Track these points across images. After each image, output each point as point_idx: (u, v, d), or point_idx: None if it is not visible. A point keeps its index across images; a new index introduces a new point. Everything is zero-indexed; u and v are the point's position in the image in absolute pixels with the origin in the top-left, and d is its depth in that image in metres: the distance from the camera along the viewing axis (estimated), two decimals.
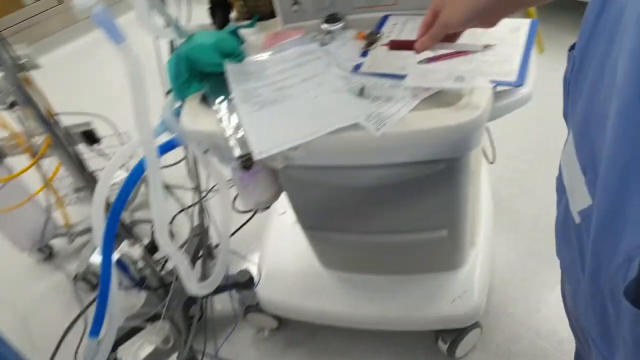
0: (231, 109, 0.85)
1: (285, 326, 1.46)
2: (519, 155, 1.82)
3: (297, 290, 1.32)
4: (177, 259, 0.96)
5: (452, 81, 0.76)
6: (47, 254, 1.84)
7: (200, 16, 1.08)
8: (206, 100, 0.90)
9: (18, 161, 1.49)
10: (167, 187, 2.00)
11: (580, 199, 0.45)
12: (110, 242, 1.00)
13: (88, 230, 1.81)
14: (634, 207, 0.35)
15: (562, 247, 0.60)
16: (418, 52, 0.72)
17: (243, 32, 1.03)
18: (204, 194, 1.41)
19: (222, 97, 0.88)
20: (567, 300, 0.71)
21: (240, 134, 0.81)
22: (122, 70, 0.68)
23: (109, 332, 1.03)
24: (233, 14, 1.12)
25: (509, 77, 0.77)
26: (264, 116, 0.82)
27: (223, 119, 0.85)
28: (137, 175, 0.94)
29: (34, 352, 1.39)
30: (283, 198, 1.15)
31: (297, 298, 1.31)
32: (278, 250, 1.41)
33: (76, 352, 1.47)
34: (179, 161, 1.88)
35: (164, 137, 0.95)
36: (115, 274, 1.04)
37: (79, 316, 1.58)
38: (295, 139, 0.77)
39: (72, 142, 1.33)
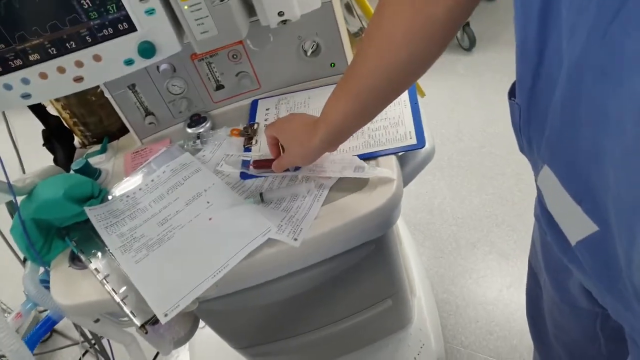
0: (112, 264, 0.70)
1: None
2: (416, 179, 1.83)
3: None
4: None
5: (352, 171, 0.68)
6: None
7: (37, 149, 0.90)
8: (78, 259, 0.73)
9: None
10: (56, 332, 1.71)
11: (580, 227, 0.46)
12: None
13: None
14: None
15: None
16: (277, 171, 0.73)
17: (95, 161, 0.87)
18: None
19: (95, 251, 0.72)
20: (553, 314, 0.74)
21: (133, 293, 0.66)
22: None
23: None
24: (77, 141, 0.95)
25: (408, 141, 0.71)
26: (154, 263, 0.68)
27: (107, 279, 0.69)
28: None
29: None
30: None
31: None
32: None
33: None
34: None
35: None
36: None
37: None
38: (201, 283, 0.64)
39: None
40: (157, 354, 1.48)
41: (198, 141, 0.83)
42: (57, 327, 1.70)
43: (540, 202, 0.59)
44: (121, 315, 0.76)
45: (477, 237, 1.59)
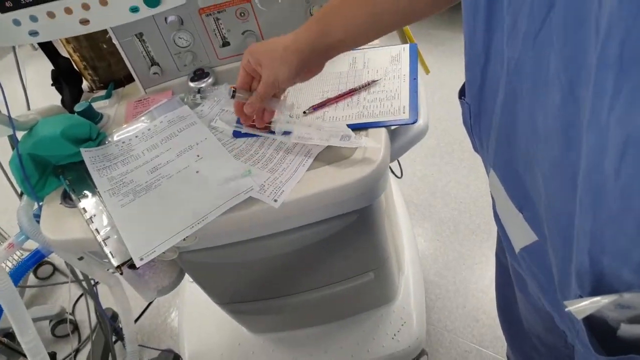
0: (100, 205, 0.72)
1: None
2: (424, 160, 1.82)
3: None
4: None
5: (338, 140, 0.68)
6: None
7: (47, 94, 0.92)
8: (69, 198, 0.76)
9: None
10: (58, 271, 1.78)
11: (522, 235, 0.46)
12: None
13: None
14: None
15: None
16: (249, 114, 0.69)
17: (99, 105, 0.89)
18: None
19: (86, 191, 0.74)
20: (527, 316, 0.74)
21: (114, 236, 0.68)
22: None
23: None
24: (85, 84, 0.97)
25: (401, 115, 0.71)
26: (138, 208, 0.70)
27: (93, 219, 0.71)
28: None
29: None
30: None
31: None
32: (198, 324, 1.27)
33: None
34: None
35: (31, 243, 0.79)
36: None
37: None
38: (179, 231, 0.66)
39: None
40: (150, 304, 1.53)
41: (198, 95, 0.84)
42: (60, 266, 1.77)
43: (493, 206, 0.58)
44: (104, 257, 0.78)
45: (477, 224, 1.59)
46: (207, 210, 0.67)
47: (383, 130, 0.70)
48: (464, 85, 0.51)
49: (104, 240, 0.68)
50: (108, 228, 0.69)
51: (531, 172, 0.38)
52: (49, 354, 1.28)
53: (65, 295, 1.69)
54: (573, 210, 0.34)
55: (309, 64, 0.64)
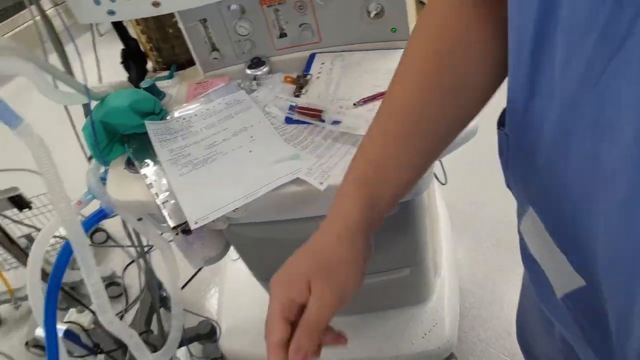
0: (160, 173, 0.79)
1: None
2: (469, 169, 1.82)
3: (261, 337, 1.24)
4: (124, 335, 0.89)
5: None
6: None
7: (115, 72, 1.00)
8: (132, 165, 0.83)
9: None
10: (112, 239, 1.90)
11: (566, 280, 0.41)
12: (51, 317, 0.91)
13: None
14: None
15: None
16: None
17: (162, 85, 0.96)
18: (146, 249, 1.32)
19: (148, 160, 0.81)
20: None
21: (172, 200, 0.74)
22: (50, 120, 0.60)
23: None
24: (149, 65, 1.04)
25: None
26: (195, 179, 0.76)
27: (152, 184, 0.78)
28: (66, 255, 0.86)
29: None
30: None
31: (261, 345, 1.24)
32: (237, 298, 1.34)
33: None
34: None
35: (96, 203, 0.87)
36: (63, 347, 0.95)
37: None
38: (231, 202, 0.71)
39: None
40: (190, 280, 1.61)
41: (254, 82, 0.90)
42: (112, 234, 1.89)
43: (523, 247, 0.53)
44: (161, 221, 0.85)
45: None
46: (257, 186, 0.72)
47: None
48: (503, 113, 0.46)
49: (162, 204, 0.74)
50: (166, 194, 0.75)
51: (586, 213, 0.35)
52: None
53: (116, 261, 1.81)
54: None
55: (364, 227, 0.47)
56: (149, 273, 1.30)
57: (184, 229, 0.74)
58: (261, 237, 0.89)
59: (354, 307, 1.21)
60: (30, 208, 1.40)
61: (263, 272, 1.05)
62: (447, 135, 0.51)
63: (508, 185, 0.50)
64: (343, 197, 0.47)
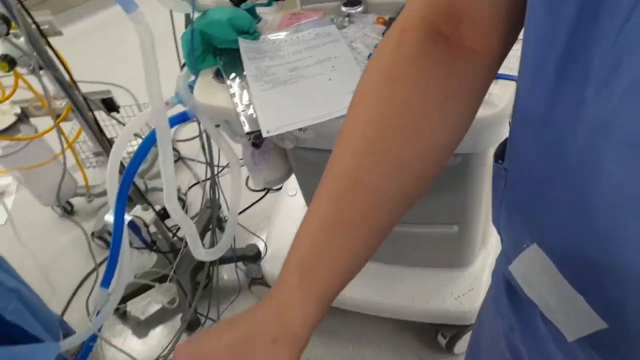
0: (243, 86, 0.85)
1: None
2: None
3: None
4: (184, 224, 0.98)
5: None
6: (68, 211, 1.91)
7: None
8: (220, 76, 0.90)
9: (45, 122, 1.54)
10: (182, 159, 2.03)
11: (583, 322, 0.37)
12: (122, 203, 1.03)
13: (105, 192, 1.85)
14: None
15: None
16: None
17: (260, 10, 1.02)
18: (217, 169, 1.42)
19: (235, 74, 0.88)
20: None
21: (250, 111, 0.81)
22: (153, 24, 0.69)
23: (118, 285, 1.07)
24: None
25: None
26: (275, 95, 0.82)
27: (235, 94, 0.85)
28: (149, 143, 0.96)
29: (52, 298, 1.45)
30: (294, 180, 1.15)
31: None
32: (286, 228, 1.42)
33: (87, 300, 1.59)
34: (194, 137, 1.92)
35: (178, 109, 0.96)
36: (126, 233, 1.07)
37: (93, 270, 1.68)
38: (304, 120, 0.77)
39: (91, 109, 1.35)
40: (253, 204, 1.71)
41: (346, 19, 0.94)
42: (183, 154, 2.02)
43: (510, 292, 0.49)
44: (236, 131, 0.92)
45: None
46: (328, 110, 0.78)
47: (512, 84, 0.75)
48: (501, 147, 0.44)
49: (241, 112, 0.81)
50: (246, 104, 0.82)
51: (613, 246, 0.31)
52: (160, 212, 1.50)
53: (182, 180, 1.94)
54: None
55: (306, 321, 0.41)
56: (214, 191, 1.41)
57: (255, 139, 0.82)
58: (322, 164, 0.95)
59: (396, 257, 1.26)
60: (118, 111, 1.53)
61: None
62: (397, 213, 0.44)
63: (494, 222, 0.47)
64: (288, 285, 0.40)
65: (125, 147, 0.98)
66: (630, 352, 0.35)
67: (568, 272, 0.36)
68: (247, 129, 0.79)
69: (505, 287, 0.50)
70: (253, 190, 1.77)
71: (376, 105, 0.41)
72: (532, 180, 0.37)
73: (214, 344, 0.39)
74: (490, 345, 0.58)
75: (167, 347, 1.47)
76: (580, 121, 0.30)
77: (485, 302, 0.61)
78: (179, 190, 1.84)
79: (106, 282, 1.20)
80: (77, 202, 1.95)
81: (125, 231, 1.12)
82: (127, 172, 1.01)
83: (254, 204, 1.70)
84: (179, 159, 2.02)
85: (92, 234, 1.79)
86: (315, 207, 0.41)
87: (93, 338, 1.29)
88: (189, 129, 2.05)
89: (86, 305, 1.59)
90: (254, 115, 0.80)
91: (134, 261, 1.68)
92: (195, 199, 1.88)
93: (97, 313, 1.25)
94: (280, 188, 1.56)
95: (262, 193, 1.71)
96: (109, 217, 1.37)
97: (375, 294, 1.25)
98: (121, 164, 1.05)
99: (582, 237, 0.33)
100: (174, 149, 2.03)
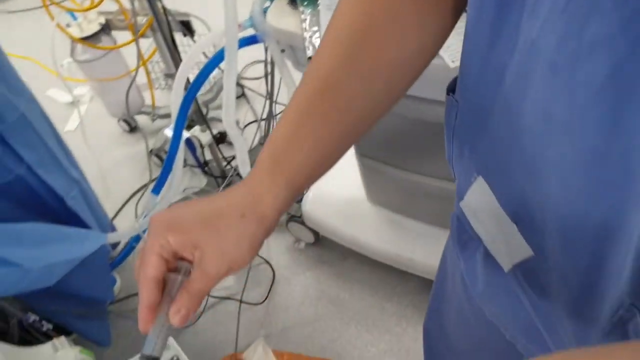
0: (315, 15, 0.88)
1: (321, 244, 1.54)
2: None
3: (340, 213, 1.37)
4: (237, 140, 1.04)
5: None
6: (132, 127, 2.02)
7: None
8: (294, 2, 0.93)
9: (124, 37, 1.63)
10: (245, 96, 2.09)
11: (515, 251, 0.39)
12: (183, 116, 1.09)
13: (168, 115, 1.95)
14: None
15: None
16: (181, 323, 0.41)
17: None
18: (275, 108, 1.47)
19: (308, 2, 0.91)
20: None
21: (317, 38, 0.84)
22: None
23: (167, 194, 1.15)
24: None
25: None
26: None
27: (306, 21, 0.87)
28: (216, 60, 1.01)
29: (106, 202, 1.56)
30: None
31: (338, 220, 1.37)
32: (331, 173, 1.44)
33: (137, 205, 1.72)
34: (259, 77, 1.97)
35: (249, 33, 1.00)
36: (182, 148, 1.14)
37: (147, 184, 1.80)
38: None
39: (170, 27, 1.42)
40: None
41: None
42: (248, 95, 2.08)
43: (460, 230, 0.52)
44: (299, 59, 0.95)
45: None
46: None
47: None
48: (454, 81, 0.44)
49: (308, 37, 0.84)
50: (314, 31, 0.85)
51: (538, 175, 0.33)
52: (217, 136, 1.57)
53: (241, 115, 2.01)
54: (617, 203, 0.29)
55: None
56: (269, 127, 1.46)
57: None
58: None
59: (435, 218, 1.27)
60: (193, 35, 1.59)
61: (367, 145, 1.14)
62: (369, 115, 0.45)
63: (449, 158, 0.49)
64: (261, 170, 0.42)
65: (194, 62, 1.03)
66: (548, 276, 0.38)
67: (505, 202, 0.38)
68: (309, 53, 0.81)
69: (456, 226, 0.53)
70: None
71: (355, 11, 0.42)
72: (477, 108, 0.39)
73: (187, 213, 0.41)
74: (451, 284, 0.62)
75: None
76: (516, 45, 0.31)
77: (446, 247, 0.64)
78: (237, 122, 1.90)
79: (157, 189, 1.29)
80: (141, 120, 2.06)
81: (182, 146, 1.19)
82: (192, 86, 1.07)
83: None
84: (242, 95, 2.08)
85: (151, 150, 1.89)
86: (291, 103, 0.43)
87: (136, 239, 1.40)
88: (255, 70, 2.10)
89: (135, 213, 1.71)
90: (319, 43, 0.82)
91: (185, 180, 1.77)
92: (251, 136, 1.95)
93: (144, 216, 1.35)
94: None
95: None
96: (169, 132, 1.45)
97: (407, 249, 1.27)
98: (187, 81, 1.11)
99: (514, 166, 0.35)
100: (239, 84, 2.09)
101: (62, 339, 0.70)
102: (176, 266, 0.41)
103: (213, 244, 0.40)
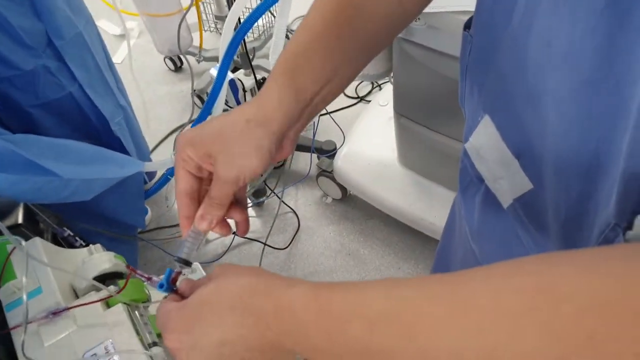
0: None
1: (347, 201, 1.57)
2: None
3: (370, 172, 1.39)
4: None
5: None
6: (178, 66, 2.06)
7: None
8: None
9: None
10: None
11: (516, 185, 0.41)
12: (230, 55, 1.11)
13: (214, 59, 1.97)
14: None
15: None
16: (206, 230, 0.45)
17: None
18: None
19: None
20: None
21: None
22: None
23: None
24: None
25: None
26: None
27: None
28: (269, 2, 1.02)
29: (146, 136, 1.61)
30: (387, 92, 1.16)
31: (367, 179, 1.38)
32: (367, 133, 1.46)
33: (174, 142, 1.74)
34: None
35: None
36: (225, 87, 1.16)
37: (187, 123, 1.84)
38: None
39: None
40: (344, 107, 1.76)
41: None
42: None
43: (464, 171, 0.54)
44: None
45: None
46: (447, 2, 0.78)
47: None
48: (471, 19, 0.45)
49: None
50: None
51: (537, 107, 0.34)
52: (260, 81, 1.59)
53: None
54: (607, 134, 0.30)
55: (282, 139, 0.44)
56: None
57: None
58: (422, 63, 0.97)
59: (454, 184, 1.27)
60: None
61: (405, 104, 1.14)
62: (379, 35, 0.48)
63: (461, 100, 0.51)
64: (269, 80, 0.44)
65: (245, 3, 1.05)
66: (545, 207, 0.39)
67: (508, 137, 0.40)
68: None
69: (461, 168, 0.55)
70: (348, 97, 1.82)
71: None
72: (487, 44, 0.40)
73: (205, 127, 0.44)
74: (458, 235, 0.65)
75: None
76: None
77: (454, 200, 0.66)
78: None
79: (197, 123, 1.32)
80: (187, 60, 2.10)
81: (225, 85, 1.21)
82: (242, 26, 1.09)
83: (345, 107, 1.75)
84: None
85: (194, 90, 1.93)
86: (300, 30, 0.45)
87: (171, 172, 1.45)
88: None
89: (173, 147, 1.76)
90: None
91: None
92: None
93: None
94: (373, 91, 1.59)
95: (354, 101, 1.75)
96: (214, 71, 1.48)
97: (431, 214, 1.29)
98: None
99: (518, 101, 0.36)
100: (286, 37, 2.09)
101: (98, 245, 0.75)
102: (210, 178, 0.44)
103: (222, 150, 0.42)
